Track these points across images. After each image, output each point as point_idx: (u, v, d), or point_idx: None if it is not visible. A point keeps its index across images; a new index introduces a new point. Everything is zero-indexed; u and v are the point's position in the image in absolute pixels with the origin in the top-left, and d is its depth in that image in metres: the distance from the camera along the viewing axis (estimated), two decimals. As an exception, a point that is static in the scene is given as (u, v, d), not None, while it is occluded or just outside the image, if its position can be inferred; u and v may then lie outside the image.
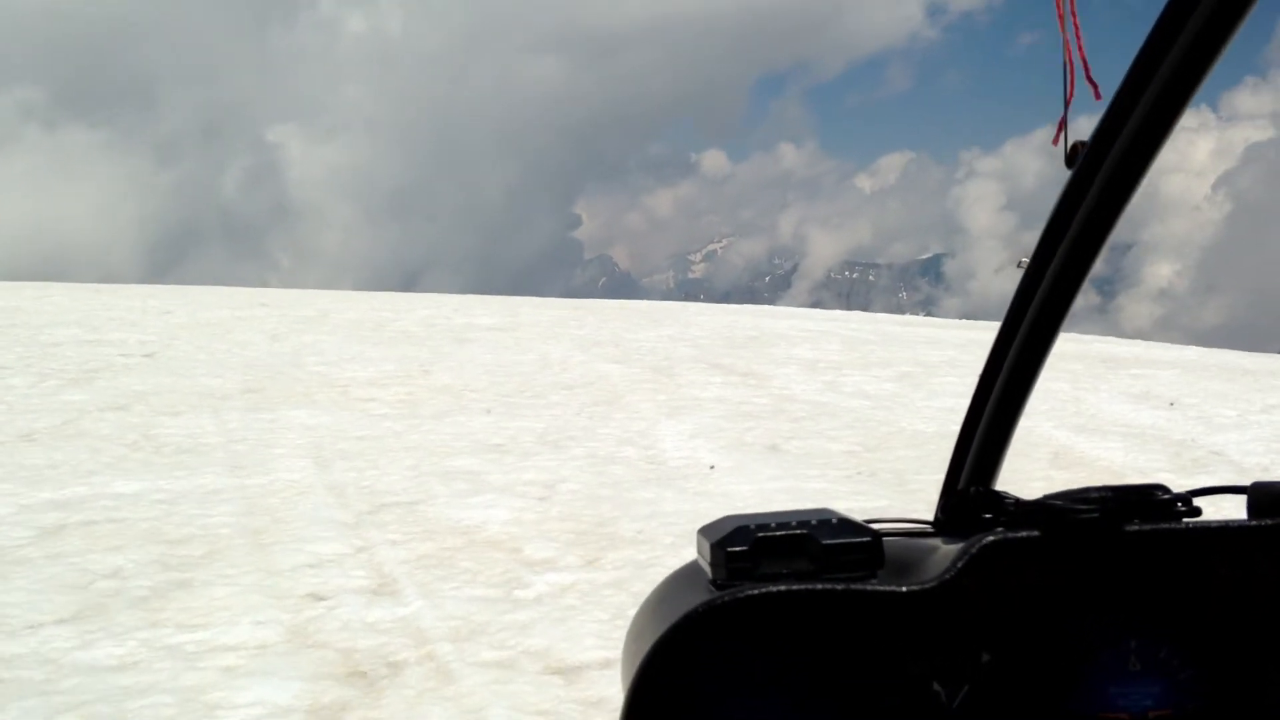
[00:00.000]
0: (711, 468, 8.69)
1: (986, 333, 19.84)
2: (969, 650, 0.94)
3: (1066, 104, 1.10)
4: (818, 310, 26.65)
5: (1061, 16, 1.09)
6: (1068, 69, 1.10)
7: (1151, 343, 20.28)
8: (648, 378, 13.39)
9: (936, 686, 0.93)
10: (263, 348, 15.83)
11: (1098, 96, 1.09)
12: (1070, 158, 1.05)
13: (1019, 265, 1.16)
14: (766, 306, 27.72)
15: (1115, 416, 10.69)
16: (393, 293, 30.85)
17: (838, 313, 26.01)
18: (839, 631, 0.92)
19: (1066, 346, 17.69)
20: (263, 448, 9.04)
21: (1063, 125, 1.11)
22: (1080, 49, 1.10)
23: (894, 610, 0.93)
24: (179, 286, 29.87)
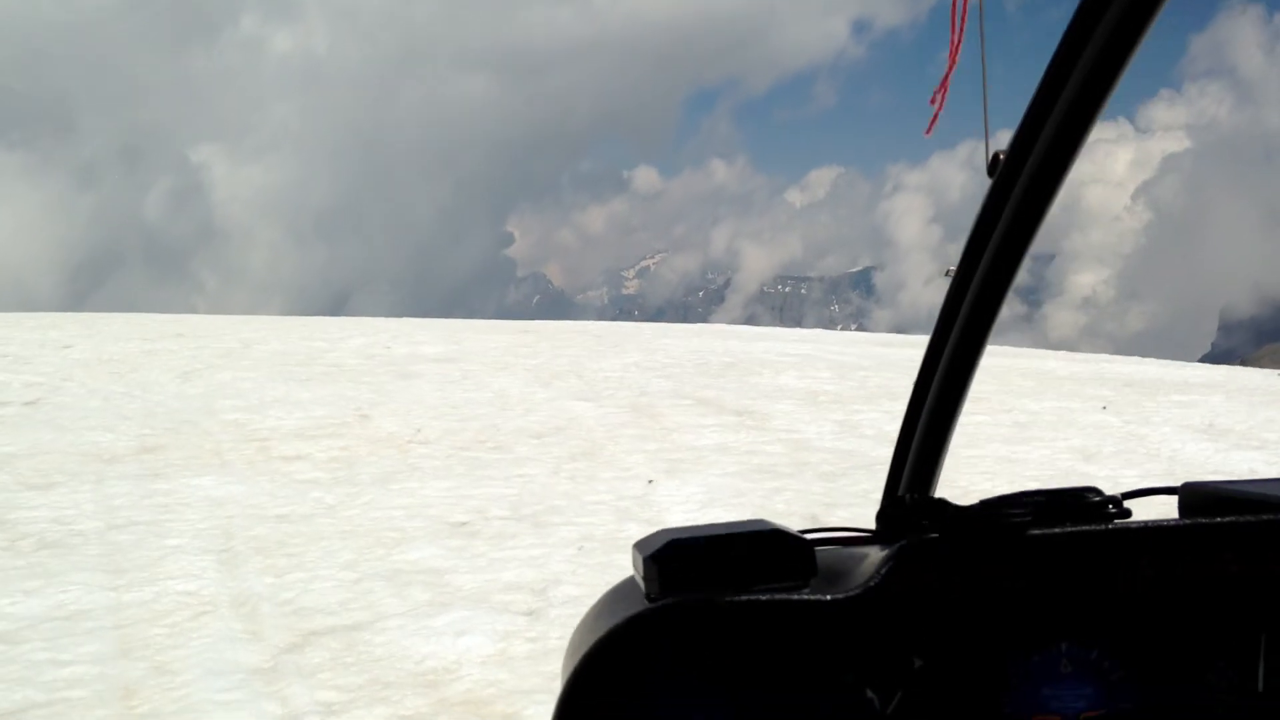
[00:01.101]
0: (650, 481, 8.09)
1: (991, 358, 18.22)
2: (901, 656, 0.94)
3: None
4: (786, 330, 24.96)
5: (954, 31, 1.19)
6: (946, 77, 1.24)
7: (1167, 361, 18.82)
8: (627, 420, 11.45)
9: (870, 694, 0.93)
10: (170, 390, 13.58)
11: (939, 102, 1.28)
12: (991, 167, 1.06)
13: (946, 274, 1.15)
14: (735, 327, 26.00)
15: (1200, 458, 9.00)
16: (324, 318, 28.51)
17: (808, 332, 24.32)
18: (770, 641, 0.92)
19: (1076, 368, 16.12)
20: (153, 536, 6.92)
21: (936, 115, 1.28)
22: (953, 60, 1.20)
23: (822, 619, 0.92)
24: (89, 314, 27.25)
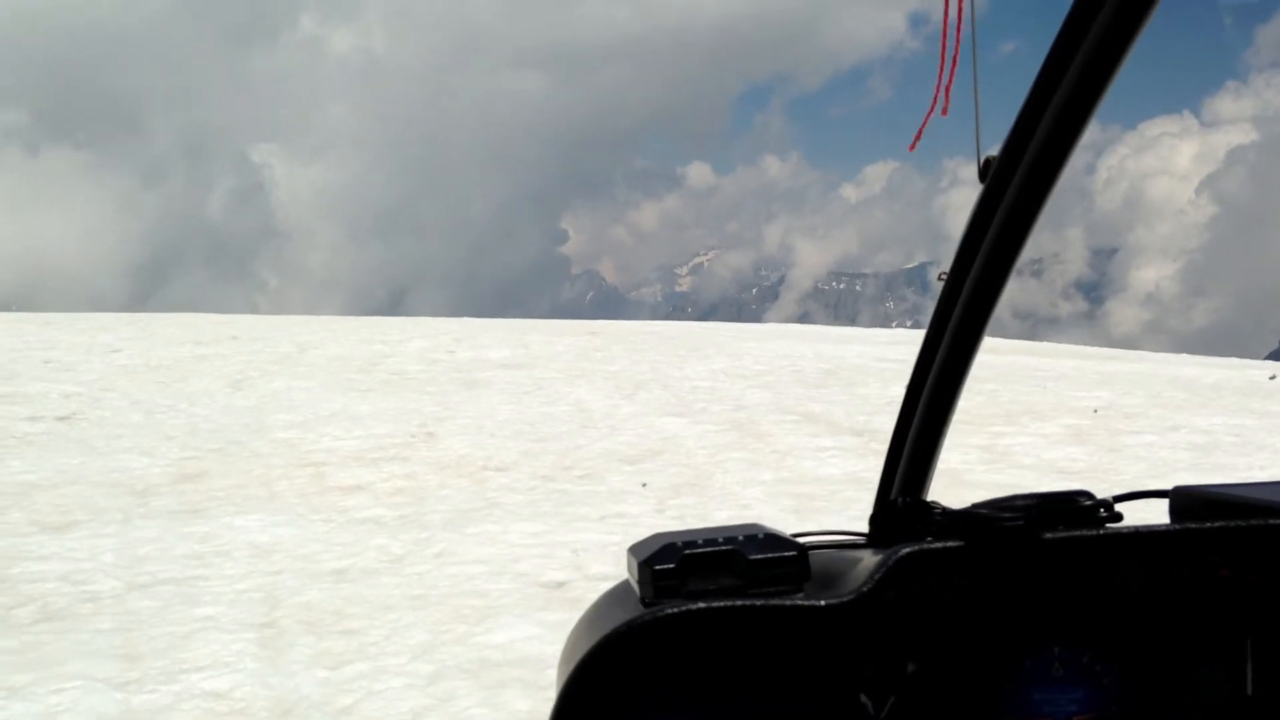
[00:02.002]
0: (644, 485, 7.85)
1: (1122, 363, 16.50)
2: (894, 661, 0.94)
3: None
4: (875, 331, 23.30)
5: (945, 32, 1.20)
6: (944, 79, 1.22)
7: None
8: (730, 440, 9.97)
9: (863, 698, 0.93)
10: (219, 401, 12.36)
11: (944, 113, 1.25)
12: (983, 172, 1.06)
13: (939, 278, 1.15)
14: (819, 328, 24.42)
15: None
16: (383, 318, 27.38)
17: (900, 333, 22.62)
18: (764, 646, 0.92)
19: (1219, 375, 14.33)
20: (181, 602, 5.59)
21: (921, 131, 1.32)
22: (955, 61, 1.21)
23: (816, 624, 0.93)
24: (144, 315, 26.37)
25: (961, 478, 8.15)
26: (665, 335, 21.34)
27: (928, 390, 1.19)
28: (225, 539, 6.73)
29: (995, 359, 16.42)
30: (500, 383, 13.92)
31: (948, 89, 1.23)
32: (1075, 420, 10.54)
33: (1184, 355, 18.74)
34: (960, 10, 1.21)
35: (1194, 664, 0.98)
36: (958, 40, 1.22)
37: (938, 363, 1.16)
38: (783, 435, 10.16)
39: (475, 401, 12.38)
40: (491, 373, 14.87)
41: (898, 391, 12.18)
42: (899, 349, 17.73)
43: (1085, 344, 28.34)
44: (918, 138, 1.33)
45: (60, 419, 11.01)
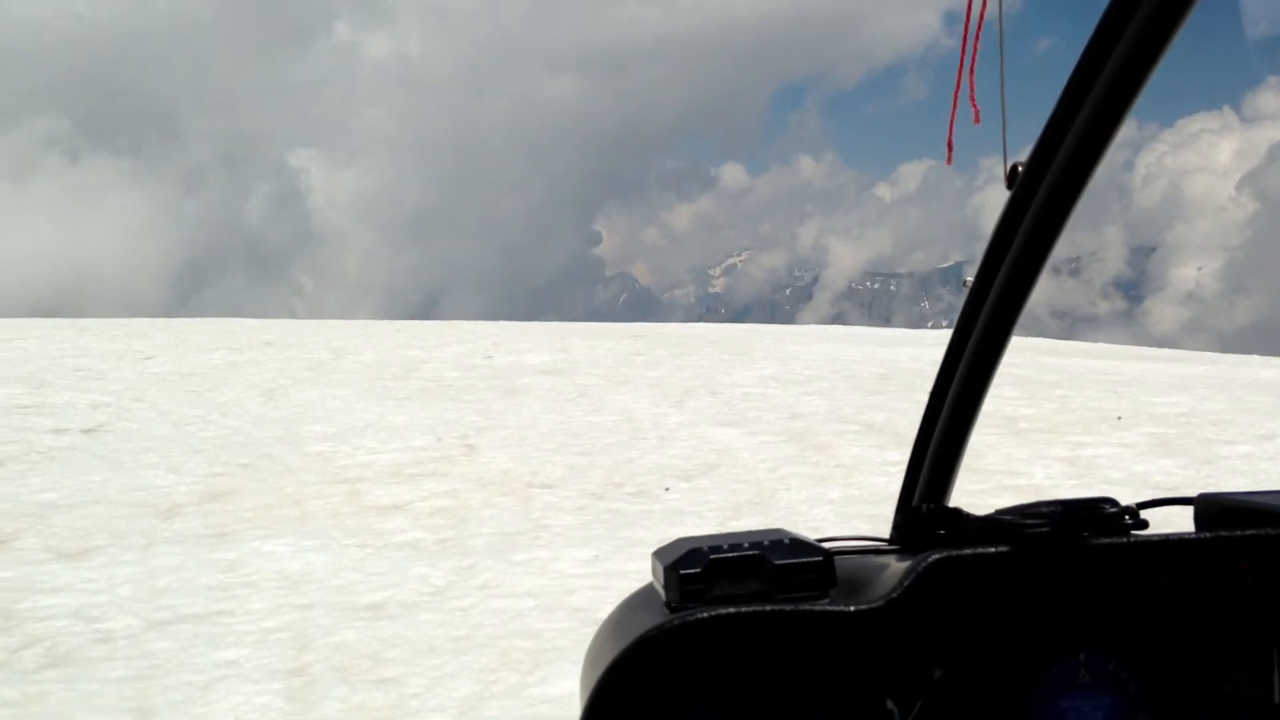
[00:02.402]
0: (667, 489, 7.68)
1: (1192, 365, 15.67)
2: (921, 667, 0.94)
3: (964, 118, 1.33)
4: (925, 333, 22.49)
5: (965, 37, 1.21)
6: (967, 88, 1.24)
7: None
8: (790, 453, 9.33)
9: (890, 704, 0.93)
10: (251, 412, 11.88)
11: (976, 120, 1.28)
12: (1010, 179, 1.05)
13: (964, 284, 1.15)
14: (866, 330, 23.67)
15: None
16: (419, 322, 26.95)
17: (948, 334, 21.81)
18: (791, 652, 0.92)
19: (1264, 374, 13.51)
20: (203, 643, 5.05)
21: (950, 145, 1.36)
22: (972, 70, 1.22)
23: (843, 630, 0.93)
24: (180, 320, 26.08)
25: (1048, 495, 7.46)
26: (708, 339, 20.72)
27: (952, 396, 1.18)
28: (253, 567, 6.19)
29: (1059, 361, 15.65)
30: (541, 390, 13.36)
31: (971, 97, 1.23)
32: (1159, 429, 9.81)
33: (1254, 356, 17.85)
34: (983, 13, 1.18)
35: (1221, 672, 0.97)
36: (975, 44, 1.20)
37: (962, 369, 1.16)
38: (845, 447, 9.51)
39: (516, 410, 11.83)
40: (531, 379, 14.32)
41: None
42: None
43: (1125, 343, 27.43)
44: (950, 148, 1.33)
45: (86, 431, 10.57)
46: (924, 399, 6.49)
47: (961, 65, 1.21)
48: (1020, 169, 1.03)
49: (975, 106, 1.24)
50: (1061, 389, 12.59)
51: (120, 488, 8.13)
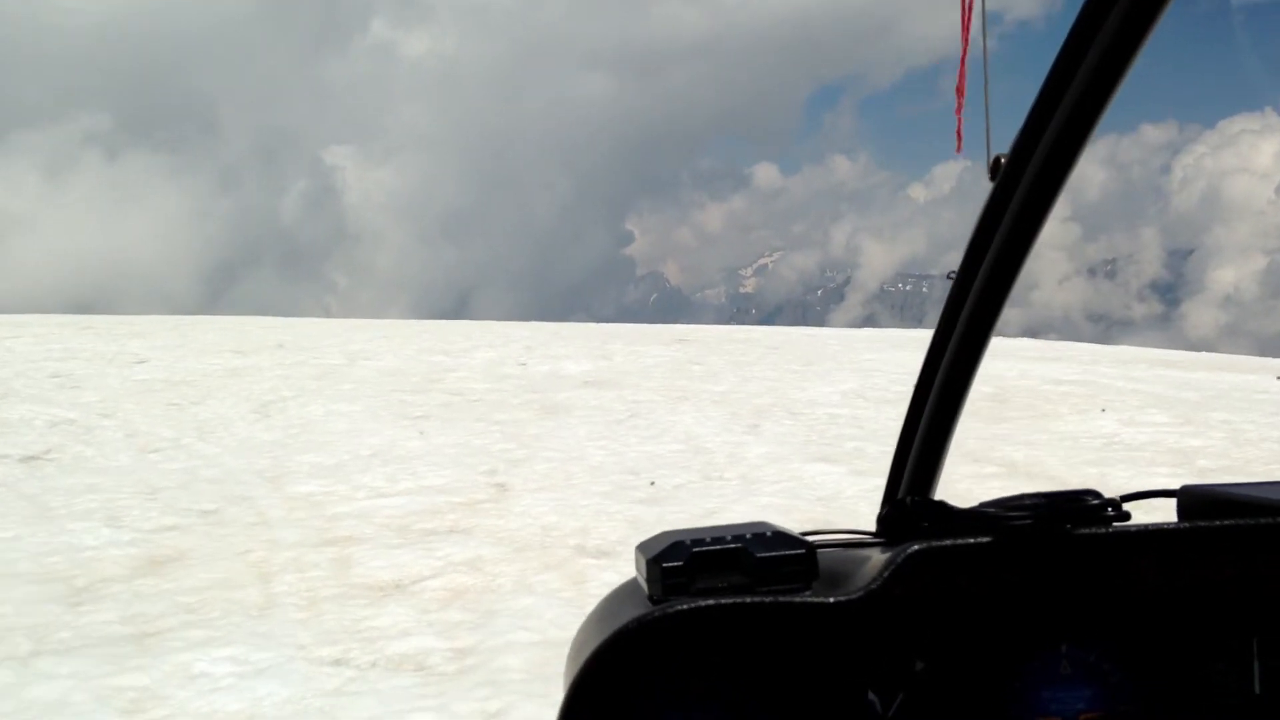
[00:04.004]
0: (652, 483, 7.31)
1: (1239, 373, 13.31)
2: (902, 659, 0.94)
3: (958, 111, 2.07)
4: (1020, 342, 20.11)
5: (967, 41, 1.91)
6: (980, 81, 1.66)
7: None
8: (905, 497, 7.13)
9: (871, 696, 0.92)
10: (236, 433, 9.82)
11: (957, 111, 2.07)
12: (992, 171, 1.05)
13: (947, 277, 1.16)
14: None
15: None
16: (446, 321, 24.90)
17: (1046, 345, 19.49)
18: (772, 644, 0.92)
19: None
20: None
21: (959, 134, 2.10)
22: (961, 68, 1.94)
23: (824, 621, 0.92)
24: (191, 318, 24.22)
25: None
26: (766, 344, 18.51)
27: (936, 389, 1.16)
28: (169, 707, 4.07)
29: (1182, 374, 13.30)
30: (585, 407, 11.22)
31: (958, 89, 1.96)
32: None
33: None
34: (984, 9, 1.74)
35: (1202, 663, 0.97)
36: (984, 40, 1.74)
37: (946, 362, 1.14)
38: (979, 494, 7.29)
39: (557, 434, 9.69)
40: (573, 392, 12.19)
41: (1104, 425, 9.16)
42: (1062, 366, 14.69)
43: (1161, 347, 25.18)
44: (959, 137, 2.05)
45: (26, 460, 8.53)
46: (1062, 429, 8.26)
47: (964, 56, 1.80)
48: (1003, 160, 1.01)
49: (960, 99, 1.93)
50: (1221, 412, 10.30)
51: (32, 550, 6.06)
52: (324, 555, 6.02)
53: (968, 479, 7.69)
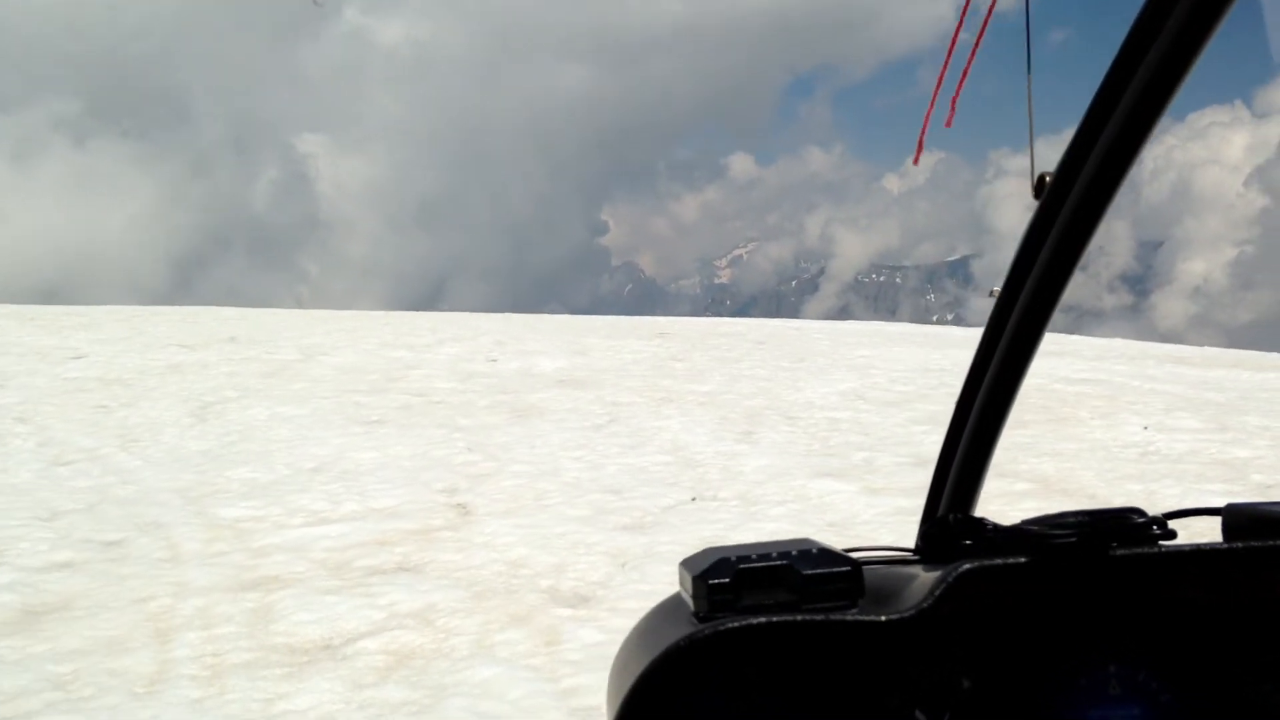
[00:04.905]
0: (693, 499, 6.65)
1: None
2: (950, 678, 0.92)
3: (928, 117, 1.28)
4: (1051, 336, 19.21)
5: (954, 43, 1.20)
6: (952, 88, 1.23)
7: None
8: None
9: (919, 715, 0.91)
10: (164, 443, 8.70)
11: (948, 124, 1.28)
12: (1037, 189, 1.06)
13: (990, 294, 1.15)
14: (937, 329, 20.34)
15: None
16: (414, 313, 23.74)
17: (1053, 338, 18.60)
18: (820, 662, 0.90)
19: None
20: None
21: (920, 145, 1.31)
22: (945, 69, 1.21)
23: (873, 639, 0.90)
24: (146, 309, 22.92)
25: None
26: (751, 338, 17.51)
27: (979, 405, 1.15)
28: None
29: (1199, 373, 12.38)
30: (560, 410, 10.16)
31: (954, 98, 1.22)
32: None
33: None
34: (990, 12, 1.16)
35: (1251, 684, 0.94)
36: (976, 44, 1.19)
37: (989, 379, 1.13)
38: (1022, 516, 6.31)
39: (528, 443, 8.63)
40: (546, 393, 11.13)
41: (1130, 433, 7.88)
42: (1066, 362, 13.76)
43: (1131, 338, 24.55)
44: (920, 148, 1.33)
45: (-92, 477, 7.38)
46: (1089, 435, 8.47)
47: (946, 65, 1.18)
48: (1048, 179, 1.01)
49: (953, 111, 1.23)
50: (1251, 415, 9.38)
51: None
52: (240, 605, 4.94)
53: (998, 498, 6.70)
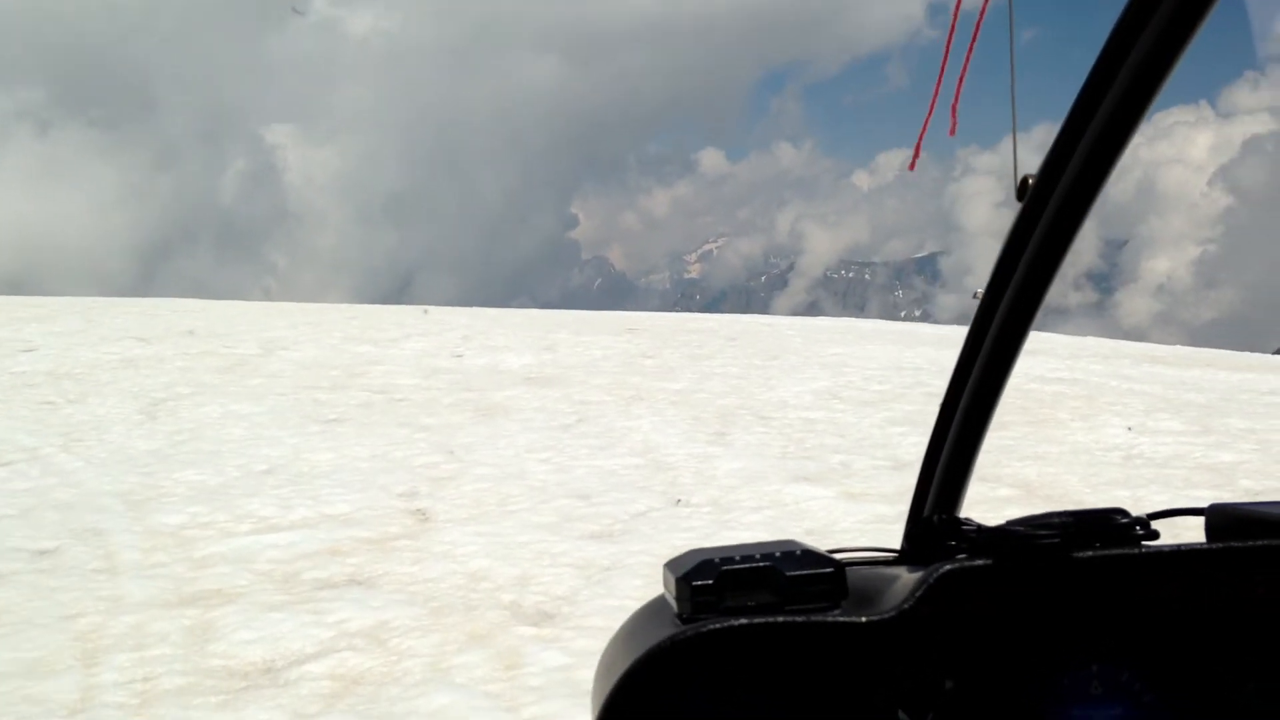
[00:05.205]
0: (678, 501, 6.48)
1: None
2: (933, 678, 0.92)
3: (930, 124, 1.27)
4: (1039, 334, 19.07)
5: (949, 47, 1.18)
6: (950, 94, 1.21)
7: None
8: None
9: (901, 715, 0.91)
10: (110, 442, 8.29)
11: (951, 132, 1.26)
12: (1020, 192, 1.04)
13: (974, 296, 1.14)
14: (909, 326, 20.16)
15: None
16: (380, 306, 23.26)
17: (1052, 338, 18.42)
18: (803, 663, 0.91)
19: None
20: None
21: (917, 151, 1.28)
22: (962, 78, 1.20)
23: (855, 640, 0.91)
24: (105, 301, 22.33)
25: None
26: (723, 334, 17.23)
27: (963, 407, 1.14)
28: None
29: (1177, 373, 12.23)
30: (527, 408, 9.84)
31: (954, 106, 1.21)
32: None
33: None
34: (983, 14, 1.15)
35: (1232, 683, 0.95)
36: (970, 50, 1.19)
37: (973, 380, 1.12)
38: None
39: (493, 444, 8.29)
40: (513, 390, 10.79)
41: (1113, 435, 7.49)
42: (1041, 361, 13.58)
43: (1096, 335, 24.74)
44: (917, 154, 1.31)
45: None
46: (1071, 439, 8.02)
47: (943, 71, 1.17)
48: (1030, 181, 1.00)
49: (955, 118, 1.22)
50: (1233, 418, 9.20)
51: None
52: (177, 622, 4.59)
53: (980, 504, 6.44)
